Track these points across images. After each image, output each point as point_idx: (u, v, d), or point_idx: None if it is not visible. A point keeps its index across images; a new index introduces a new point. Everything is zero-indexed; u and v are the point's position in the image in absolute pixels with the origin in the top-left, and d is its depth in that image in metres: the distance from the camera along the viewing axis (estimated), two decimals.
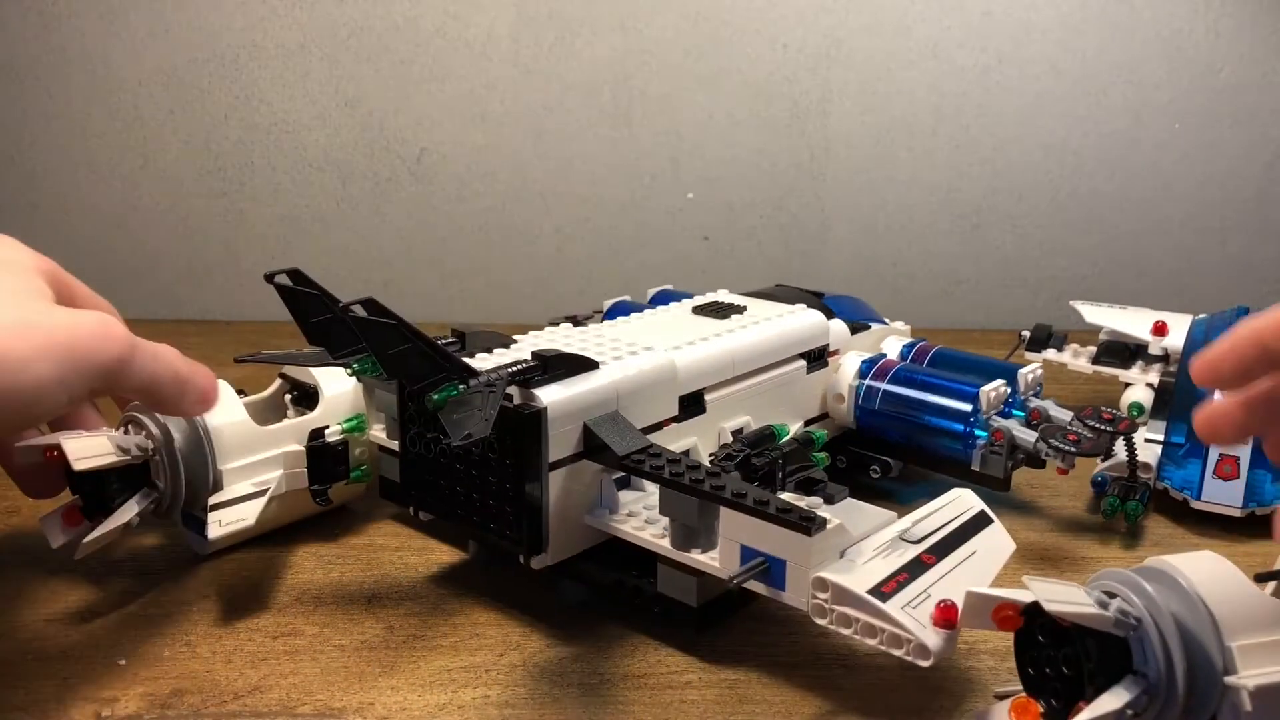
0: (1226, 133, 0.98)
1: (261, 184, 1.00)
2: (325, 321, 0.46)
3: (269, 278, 0.45)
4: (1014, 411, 0.57)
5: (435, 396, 0.40)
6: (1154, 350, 0.70)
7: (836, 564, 0.40)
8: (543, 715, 0.40)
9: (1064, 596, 0.32)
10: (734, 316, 0.57)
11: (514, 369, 0.44)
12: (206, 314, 1.03)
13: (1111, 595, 0.33)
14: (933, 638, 0.36)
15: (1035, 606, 0.33)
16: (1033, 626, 0.34)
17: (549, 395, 0.44)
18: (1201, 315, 0.68)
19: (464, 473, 0.45)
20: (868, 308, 0.68)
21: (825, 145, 1.00)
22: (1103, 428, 0.52)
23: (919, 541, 0.42)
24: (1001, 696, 0.37)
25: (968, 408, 0.55)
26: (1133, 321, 0.72)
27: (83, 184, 1.00)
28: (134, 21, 0.96)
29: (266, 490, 0.51)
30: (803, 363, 0.57)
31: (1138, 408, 0.67)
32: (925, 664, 0.36)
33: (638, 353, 0.50)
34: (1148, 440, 0.60)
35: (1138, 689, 0.31)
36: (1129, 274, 1.01)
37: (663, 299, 0.67)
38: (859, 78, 0.98)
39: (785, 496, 0.44)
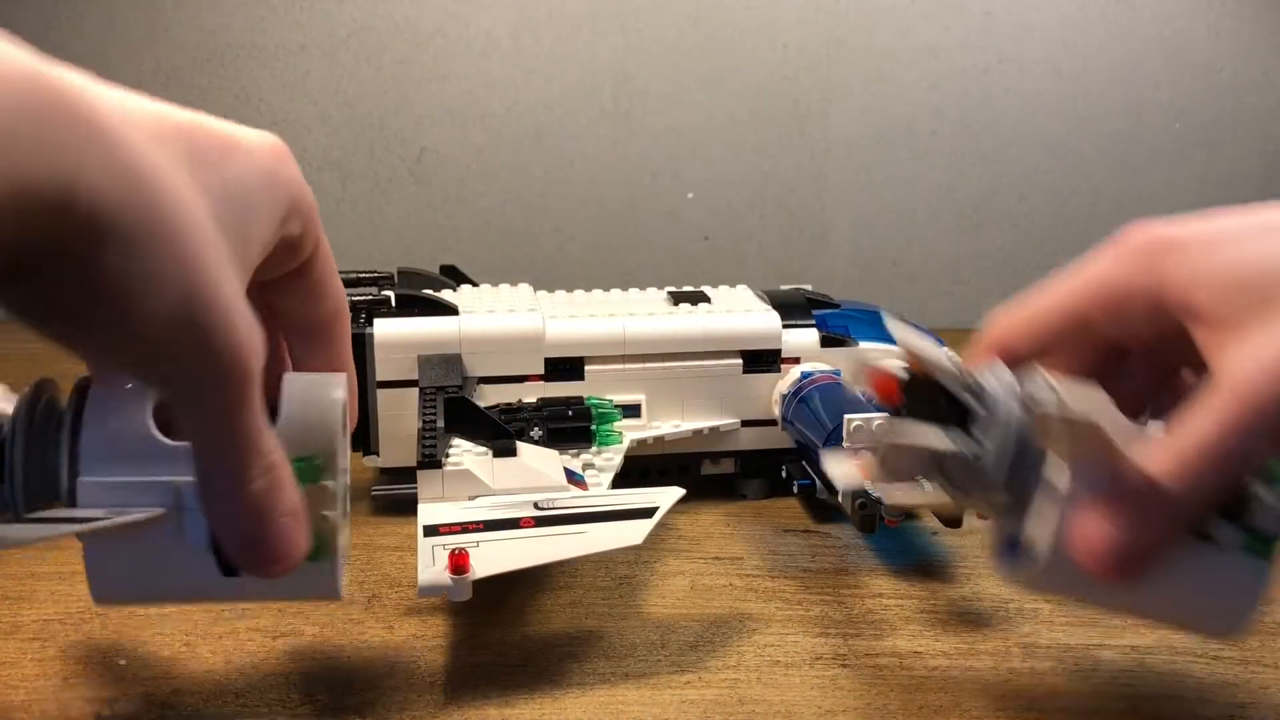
0: (1227, 133, 0.98)
1: None
2: None
3: None
4: None
5: None
6: None
7: (453, 504, 0.48)
8: (542, 715, 0.40)
9: (921, 343, 0.34)
10: (684, 305, 0.60)
11: (363, 299, 0.56)
12: None
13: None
14: (431, 577, 0.41)
15: (911, 376, 0.34)
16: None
17: (381, 326, 0.56)
18: None
19: None
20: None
21: (826, 145, 1.00)
22: None
23: (541, 508, 0.46)
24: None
25: (823, 434, 0.53)
26: None
27: None
28: (133, 21, 0.96)
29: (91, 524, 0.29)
30: (738, 362, 0.58)
31: None
32: (420, 595, 0.41)
33: (515, 311, 0.57)
34: None
35: (957, 446, 0.32)
36: None
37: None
38: (859, 77, 0.98)
39: (521, 445, 0.51)
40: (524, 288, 0.62)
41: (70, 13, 0.96)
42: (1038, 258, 1.01)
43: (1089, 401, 0.31)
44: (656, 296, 0.63)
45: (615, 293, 0.64)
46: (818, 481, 0.56)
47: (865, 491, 0.49)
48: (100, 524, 0.28)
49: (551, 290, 0.64)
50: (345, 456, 0.33)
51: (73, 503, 0.30)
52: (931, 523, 0.54)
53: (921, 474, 0.34)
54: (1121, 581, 0.31)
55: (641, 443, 0.57)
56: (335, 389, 0.31)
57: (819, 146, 1.00)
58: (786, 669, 0.43)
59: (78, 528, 0.28)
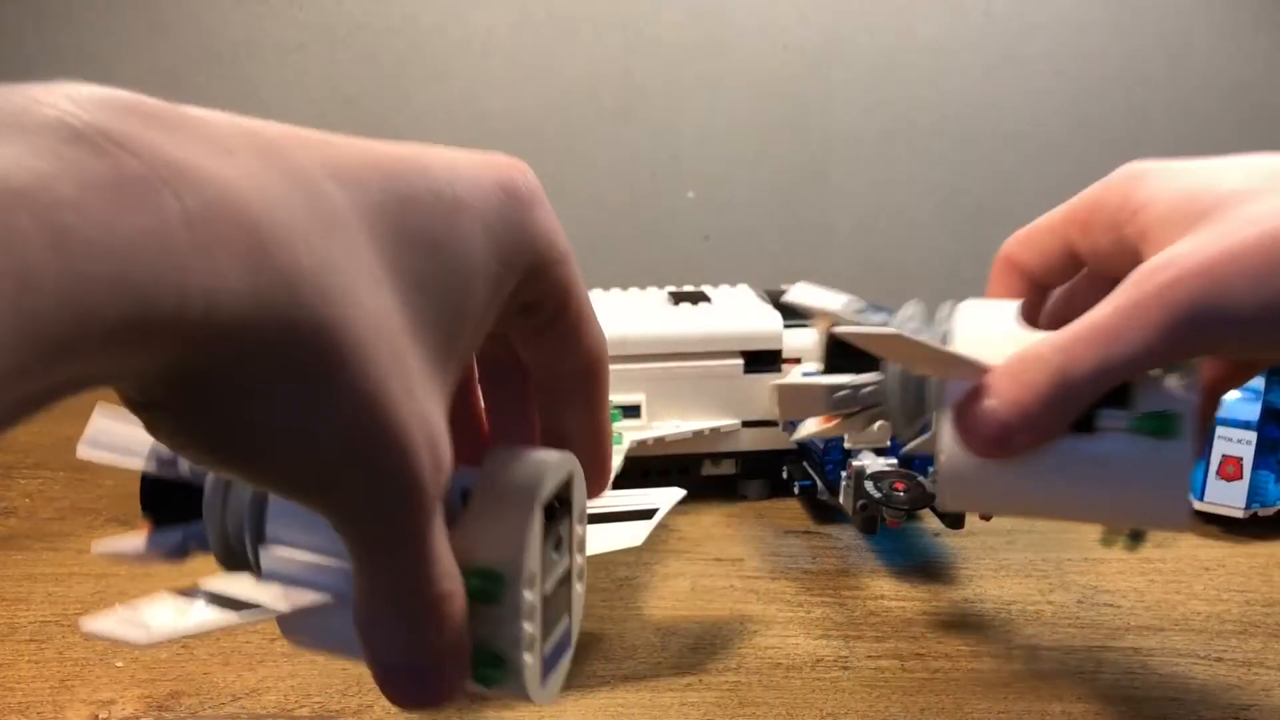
0: (1228, 132, 0.97)
1: None
2: None
3: None
4: (898, 454, 0.53)
5: None
6: None
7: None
8: (541, 716, 0.40)
9: (818, 299, 0.36)
10: (685, 305, 0.60)
11: None
12: None
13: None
14: None
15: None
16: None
17: None
18: None
19: None
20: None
21: (826, 144, 0.99)
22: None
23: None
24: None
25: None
26: None
27: None
28: (132, 21, 0.96)
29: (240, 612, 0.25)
30: (739, 362, 0.58)
31: None
32: None
33: None
34: None
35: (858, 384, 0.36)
36: None
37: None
38: (860, 77, 0.98)
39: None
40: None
41: (70, 12, 0.96)
42: None
43: (906, 321, 0.34)
44: (656, 296, 0.63)
45: (615, 293, 0.64)
46: (819, 483, 0.56)
47: (866, 491, 0.49)
48: (261, 615, 0.25)
49: None
50: (578, 537, 0.28)
51: (256, 563, 0.27)
52: (933, 524, 0.54)
53: (822, 410, 0.36)
54: (1003, 454, 0.31)
55: (641, 443, 0.57)
56: (541, 480, 0.25)
57: (820, 146, 1.00)
58: (788, 671, 0.43)
59: (257, 616, 0.25)
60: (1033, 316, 0.36)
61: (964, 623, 0.47)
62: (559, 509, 0.26)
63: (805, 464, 0.58)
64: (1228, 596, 0.49)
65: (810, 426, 0.38)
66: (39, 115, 0.17)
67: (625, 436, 0.56)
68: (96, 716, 0.40)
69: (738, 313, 0.60)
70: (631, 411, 0.58)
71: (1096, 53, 0.97)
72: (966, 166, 1.00)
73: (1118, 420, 0.30)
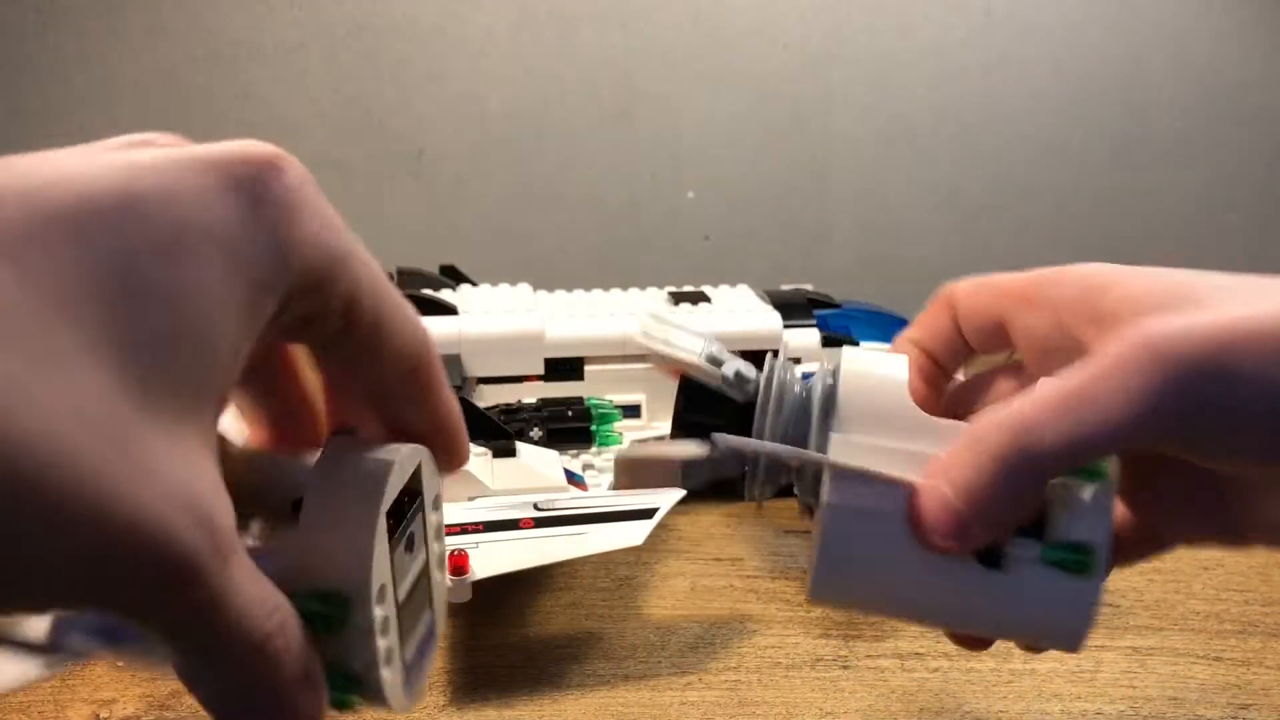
0: (1229, 132, 0.97)
1: None
2: None
3: None
4: None
5: None
6: None
7: (452, 505, 0.46)
8: (541, 717, 0.40)
9: (675, 338, 0.32)
10: (685, 305, 0.61)
11: None
12: None
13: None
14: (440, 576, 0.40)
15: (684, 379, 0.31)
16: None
17: None
18: None
19: None
20: (897, 324, 0.65)
21: (826, 144, 1.00)
22: None
23: (540, 509, 0.45)
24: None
25: None
26: None
27: None
28: (132, 21, 0.96)
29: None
30: None
31: None
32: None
33: (515, 311, 0.57)
34: None
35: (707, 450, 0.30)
36: None
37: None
38: (860, 77, 0.98)
39: (520, 446, 0.51)
40: (524, 288, 0.62)
41: (69, 12, 0.96)
42: (1039, 257, 1.00)
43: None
44: (656, 296, 0.63)
45: (615, 293, 0.64)
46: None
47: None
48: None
49: (551, 290, 0.64)
50: (434, 525, 0.26)
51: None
52: None
53: (674, 483, 0.32)
54: (957, 549, 0.27)
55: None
56: (381, 483, 0.22)
57: (820, 146, 1.00)
58: (787, 670, 0.43)
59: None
60: (920, 389, 0.32)
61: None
62: (407, 504, 0.24)
63: None
64: (1227, 596, 0.49)
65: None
66: None
67: (625, 436, 0.56)
68: (98, 715, 0.40)
69: (738, 313, 0.60)
70: (631, 411, 0.58)
71: (1096, 53, 0.97)
72: (966, 166, 1.00)
73: (1028, 549, 0.27)
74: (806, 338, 0.60)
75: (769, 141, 0.99)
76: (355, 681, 0.22)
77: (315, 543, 0.22)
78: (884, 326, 0.64)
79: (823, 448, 0.28)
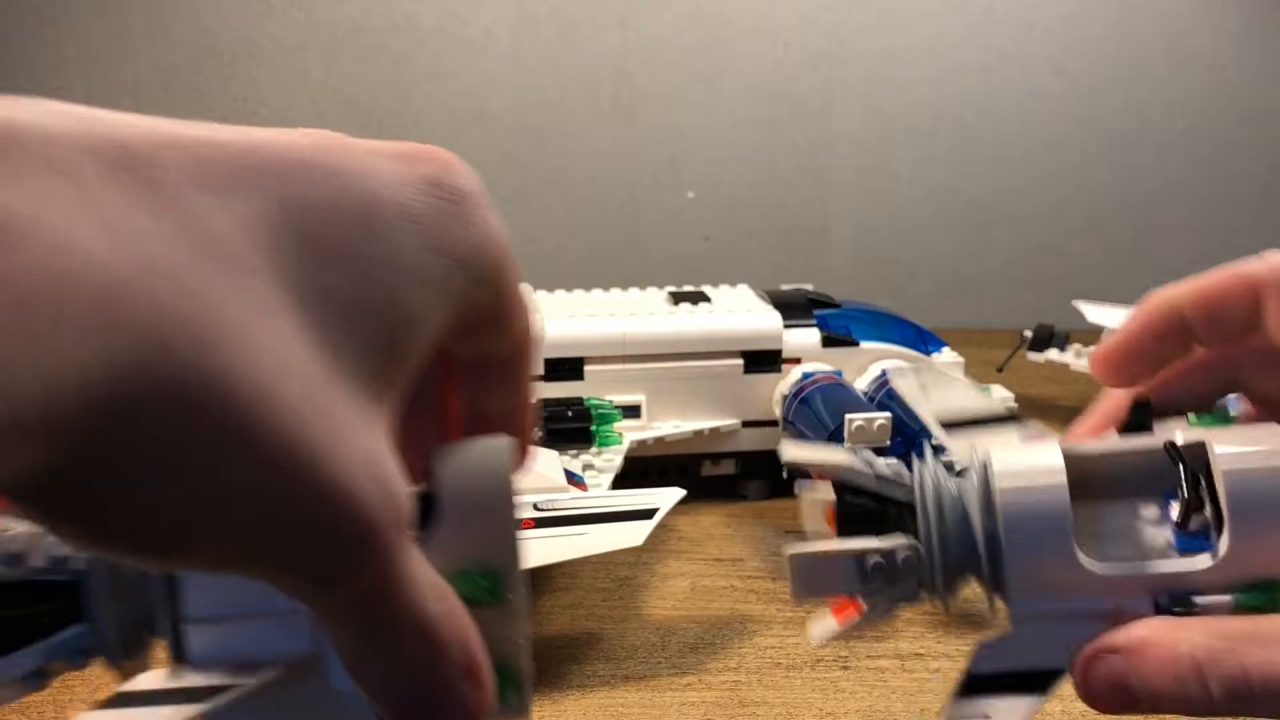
0: (1230, 132, 0.97)
1: None
2: None
3: None
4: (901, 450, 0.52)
5: None
6: None
7: None
8: (541, 717, 0.40)
9: (819, 453, 0.29)
10: (684, 305, 0.60)
11: None
12: None
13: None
14: None
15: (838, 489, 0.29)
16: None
17: None
18: None
19: None
20: (897, 325, 0.64)
21: (826, 144, 0.99)
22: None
23: (540, 509, 0.44)
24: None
25: (824, 434, 0.53)
26: None
27: None
28: (132, 21, 0.96)
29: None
30: (739, 362, 0.58)
31: None
32: None
33: None
34: None
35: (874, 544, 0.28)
36: (1131, 273, 1.00)
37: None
38: (860, 76, 0.98)
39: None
40: (524, 288, 0.62)
41: (69, 12, 0.96)
42: (1039, 257, 1.01)
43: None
44: (656, 296, 0.63)
45: (615, 293, 0.64)
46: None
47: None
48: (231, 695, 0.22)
49: (551, 290, 0.64)
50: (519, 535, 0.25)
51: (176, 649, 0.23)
52: None
53: (850, 587, 0.28)
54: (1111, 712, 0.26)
55: (641, 443, 0.57)
56: (506, 466, 0.23)
57: (820, 145, 1.00)
58: (788, 671, 0.43)
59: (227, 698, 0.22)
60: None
61: (964, 623, 0.47)
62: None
63: None
64: None
65: (827, 629, 0.29)
66: None
67: (625, 436, 0.56)
68: None
69: (738, 313, 0.60)
70: (631, 411, 0.58)
71: (1096, 53, 0.97)
72: (966, 166, 1.00)
73: None
74: (806, 338, 0.60)
75: (769, 141, 0.99)
76: (510, 671, 0.22)
77: (460, 529, 0.22)
78: (884, 326, 0.64)
79: (995, 554, 0.27)
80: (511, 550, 0.23)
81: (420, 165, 0.20)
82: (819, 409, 0.55)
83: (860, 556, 0.28)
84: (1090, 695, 0.26)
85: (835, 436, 0.52)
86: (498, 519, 0.23)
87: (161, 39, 0.96)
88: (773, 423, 0.59)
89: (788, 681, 0.42)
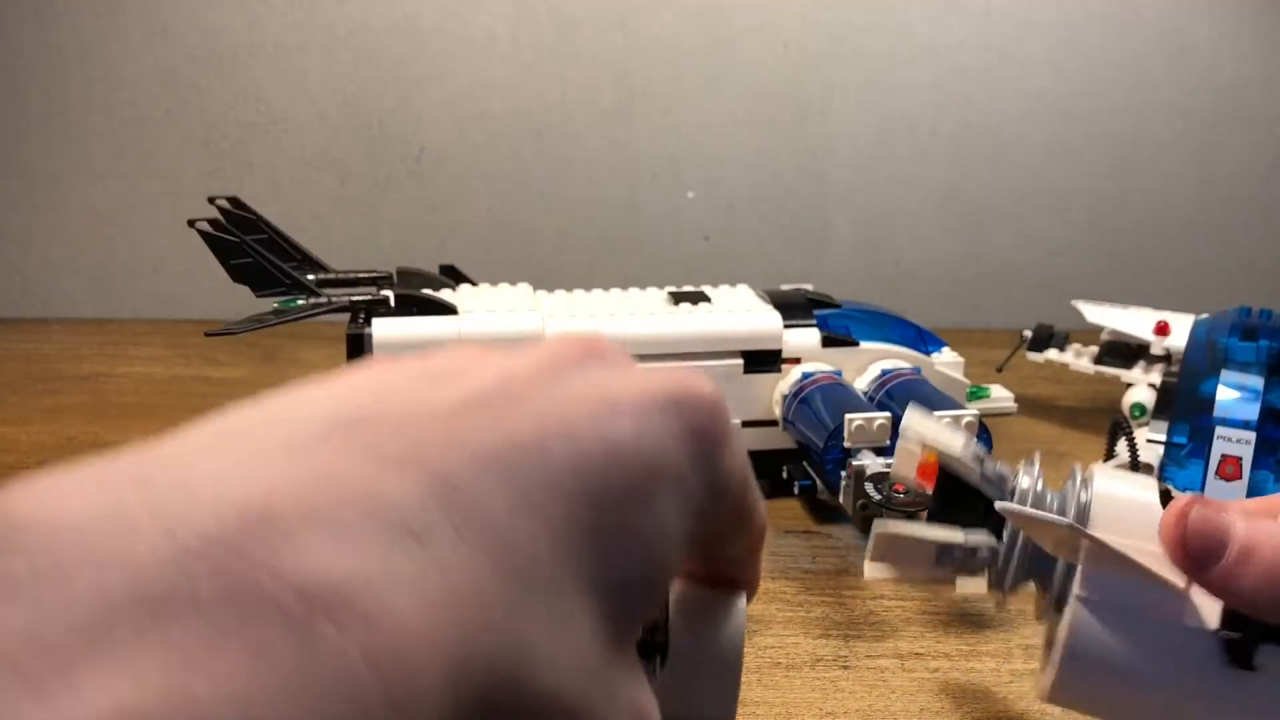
0: (1229, 132, 0.97)
1: (260, 183, 0.99)
2: (250, 263, 0.57)
3: (191, 223, 0.54)
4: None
5: (276, 304, 0.54)
6: (1156, 350, 0.69)
7: None
8: None
9: (941, 434, 0.31)
10: (684, 305, 0.60)
11: (361, 299, 0.56)
12: (206, 314, 1.02)
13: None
14: None
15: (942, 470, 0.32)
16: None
17: (380, 326, 0.55)
18: (1204, 315, 0.68)
19: None
20: (897, 325, 0.64)
21: (827, 144, 0.99)
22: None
23: None
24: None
25: (824, 434, 0.53)
26: (1134, 321, 0.72)
27: (80, 184, 0.99)
28: (131, 20, 0.96)
29: None
30: (739, 362, 0.58)
31: (1140, 408, 0.67)
32: None
33: (515, 311, 0.57)
34: (1150, 441, 0.59)
35: (969, 539, 0.31)
36: (1131, 274, 1.00)
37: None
38: (860, 76, 0.98)
39: None
40: (524, 288, 0.62)
41: (67, 12, 0.96)
42: (1039, 258, 1.01)
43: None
44: (656, 296, 0.63)
45: (615, 293, 0.64)
46: (818, 482, 0.56)
47: (866, 492, 0.49)
48: None
49: (551, 290, 0.64)
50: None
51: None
52: None
53: (923, 568, 0.32)
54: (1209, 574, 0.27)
55: None
56: (741, 631, 0.25)
57: (820, 146, 1.00)
58: (787, 670, 0.43)
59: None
60: None
61: (963, 622, 0.47)
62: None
63: (805, 464, 0.58)
64: None
65: (879, 571, 0.33)
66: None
67: None
68: None
69: (738, 313, 0.60)
70: None
71: (1096, 53, 0.97)
72: (966, 166, 1.00)
73: (1277, 658, 0.28)
74: (806, 338, 0.60)
75: (769, 142, 0.99)
76: None
77: (689, 681, 0.24)
78: (884, 326, 0.64)
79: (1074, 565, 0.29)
80: (733, 710, 0.24)
81: (688, 414, 0.20)
82: (819, 409, 0.55)
83: (943, 546, 0.30)
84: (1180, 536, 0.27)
85: (835, 436, 0.52)
86: (728, 680, 0.24)
87: (161, 39, 0.96)
88: (773, 423, 0.59)
89: (787, 681, 0.42)
